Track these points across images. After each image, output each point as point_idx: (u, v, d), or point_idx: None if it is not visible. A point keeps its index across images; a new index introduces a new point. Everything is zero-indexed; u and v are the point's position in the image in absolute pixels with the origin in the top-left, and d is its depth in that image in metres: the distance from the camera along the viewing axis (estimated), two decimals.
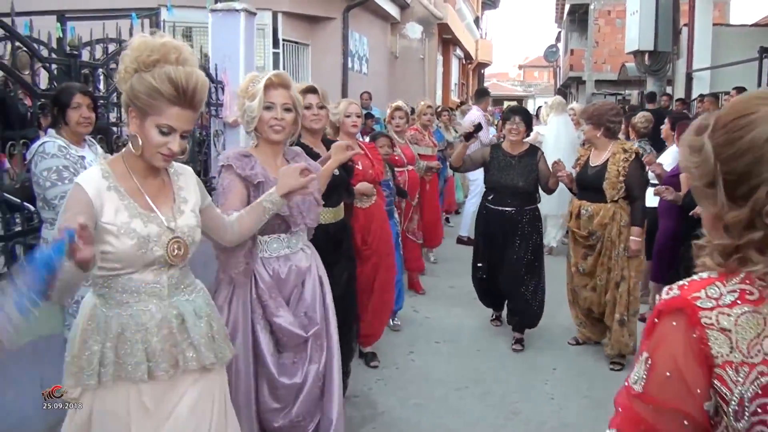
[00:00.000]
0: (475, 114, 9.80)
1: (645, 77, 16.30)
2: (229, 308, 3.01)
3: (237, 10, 6.22)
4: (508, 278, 5.42)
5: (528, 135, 5.57)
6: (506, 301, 5.74)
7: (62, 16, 7.54)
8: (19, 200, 4.14)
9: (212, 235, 2.60)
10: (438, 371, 4.98)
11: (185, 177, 2.41)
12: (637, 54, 15.54)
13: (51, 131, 3.83)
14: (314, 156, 3.67)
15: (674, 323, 1.18)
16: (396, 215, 5.83)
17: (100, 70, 4.93)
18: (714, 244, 1.19)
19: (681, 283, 1.23)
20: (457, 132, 9.93)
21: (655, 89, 14.48)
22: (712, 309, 1.15)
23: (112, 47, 5.40)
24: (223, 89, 6.20)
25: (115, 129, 5.19)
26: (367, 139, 6.16)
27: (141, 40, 2.14)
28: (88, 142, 3.99)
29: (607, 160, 4.98)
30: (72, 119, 3.80)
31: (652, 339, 1.21)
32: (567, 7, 31.10)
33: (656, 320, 1.21)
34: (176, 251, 2.25)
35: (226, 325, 2.90)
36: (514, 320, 5.58)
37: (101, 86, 5.07)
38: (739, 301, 1.15)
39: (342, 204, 4.08)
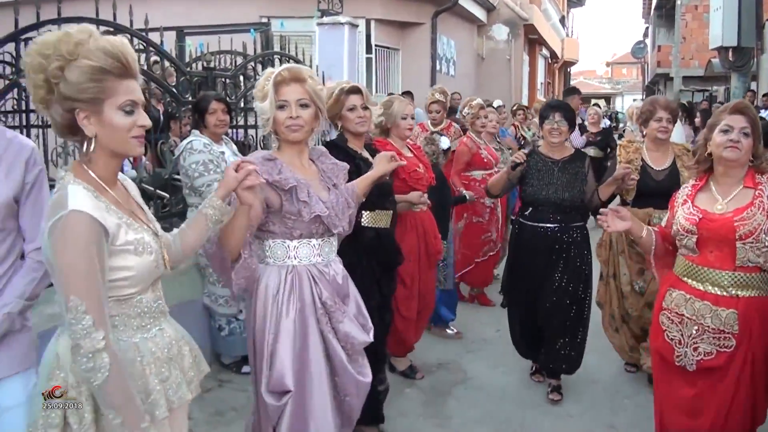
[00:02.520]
0: None
1: (730, 73, 16.25)
2: (285, 317, 2.75)
3: (341, 24, 6.93)
4: (545, 313, 4.41)
5: (571, 134, 4.67)
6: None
7: (181, 32, 8.44)
8: (152, 189, 4.88)
9: None
10: None
11: (129, 183, 2.16)
12: (721, 50, 15.54)
13: (195, 132, 4.58)
14: (363, 160, 3.67)
15: None
16: None
17: (228, 80, 5.70)
18: None
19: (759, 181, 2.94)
20: (530, 130, 9.59)
21: (740, 85, 14.50)
22: None
23: (231, 59, 6.18)
24: None
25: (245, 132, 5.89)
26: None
27: (44, 40, 1.87)
28: (224, 141, 4.73)
29: (674, 161, 4.42)
30: (210, 122, 4.52)
31: None
32: (654, 3, 30.74)
33: None
34: (166, 256, 2.09)
35: (278, 336, 2.72)
36: (549, 366, 4.59)
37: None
38: None
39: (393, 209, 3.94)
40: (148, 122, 1.94)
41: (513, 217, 5.82)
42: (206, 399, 4.28)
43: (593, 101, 24.00)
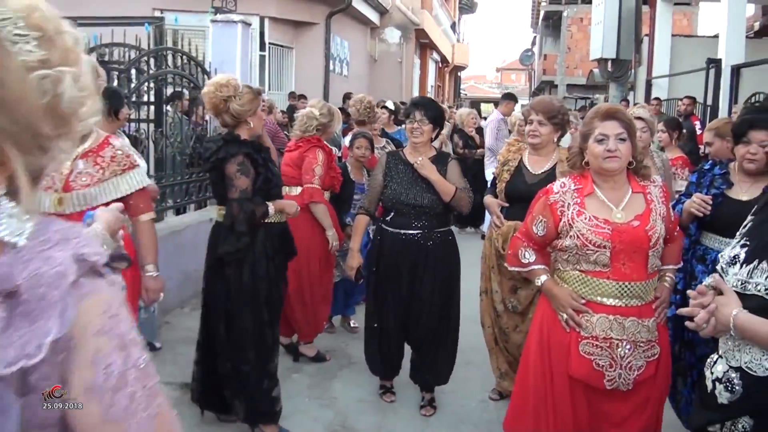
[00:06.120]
0: (495, 116, 9.77)
1: (609, 83, 17.35)
2: None
3: (235, 22, 7.08)
4: (414, 325, 4.20)
5: (438, 134, 4.26)
6: (411, 355, 4.41)
7: (74, 22, 8.34)
8: None
9: None
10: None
11: None
12: (601, 61, 16.54)
13: None
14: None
15: None
16: None
17: (121, 73, 5.75)
18: None
19: None
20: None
21: (618, 94, 15.58)
22: None
23: (124, 52, 6.21)
24: None
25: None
26: (347, 140, 5.91)
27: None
28: (117, 133, 4.82)
29: (554, 167, 3.97)
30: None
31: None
32: (542, 14, 32.09)
33: None
34: None
35: None
36: (422, 378, 4.37)
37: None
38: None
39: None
40: None
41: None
42: None
43: (483, 105, 24.72)
